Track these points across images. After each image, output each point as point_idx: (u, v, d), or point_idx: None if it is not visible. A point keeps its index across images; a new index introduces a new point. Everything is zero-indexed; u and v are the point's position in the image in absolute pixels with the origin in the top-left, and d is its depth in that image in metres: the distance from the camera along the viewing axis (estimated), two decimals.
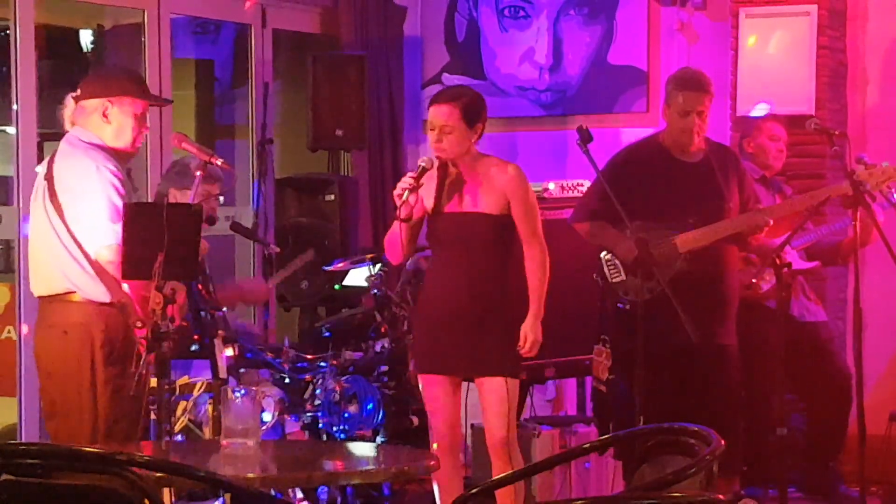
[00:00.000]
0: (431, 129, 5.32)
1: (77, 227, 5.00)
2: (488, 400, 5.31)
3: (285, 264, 6.73)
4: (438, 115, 5.31)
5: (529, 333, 5.28)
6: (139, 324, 4.84)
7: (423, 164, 5.27)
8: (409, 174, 5.26)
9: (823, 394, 6.72)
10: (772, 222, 5.97)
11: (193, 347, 5.64)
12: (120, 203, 4.93)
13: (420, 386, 5.48)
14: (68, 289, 5.03)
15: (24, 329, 6.48)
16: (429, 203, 5.37)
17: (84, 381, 4.97)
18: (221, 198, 6.02)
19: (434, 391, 5.39)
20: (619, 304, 5.87)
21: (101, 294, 4.98)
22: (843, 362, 6.89)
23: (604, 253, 6.02)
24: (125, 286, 4.94)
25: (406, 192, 5.19)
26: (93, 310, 4.98)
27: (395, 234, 5.35)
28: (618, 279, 5.96)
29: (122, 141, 5.14)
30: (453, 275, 5.34)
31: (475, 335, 5.29)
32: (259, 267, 7.82)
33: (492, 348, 5.29)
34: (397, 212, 5.26)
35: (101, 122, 5.13)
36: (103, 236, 4.95)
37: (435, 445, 5.42)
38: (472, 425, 6.13)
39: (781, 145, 6.75)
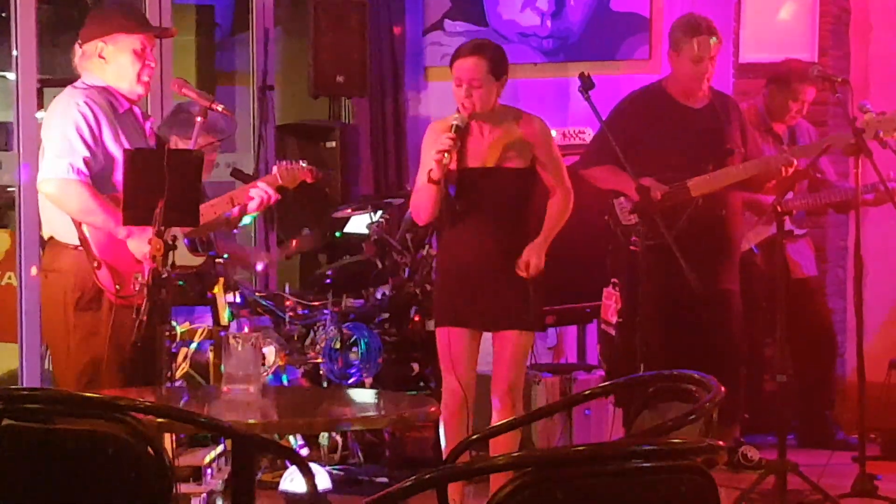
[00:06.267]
0: (458, 85, 5.18)
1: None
2: (502, 350, 5.26)
3: (287, 224, 6.67)
4: (466, 69, 5.17)
5: (533, 258, 5.17)
6: (96, 264, 4.84)
7: (456, 123, 5.13)
8: (446, 135, 5.10)
9: (809, 346, 6.75)
10: (795, 162, 5.93)
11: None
12: (78, 139, 4.85)
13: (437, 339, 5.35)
14: (48, 234, 5.02)
15: (29, 273, 6.48)
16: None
17: (59, 325, 4.94)
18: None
19: (453, 344, 5.26)
20: (631, 248, 5.83)
21: (72, 237, 4.91)
22: (829, 316, 6.92)
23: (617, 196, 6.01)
24: (85, 228, 4.86)
25: (445, 154, 5.06)
26: (67, 253, 4.93)
27: (425, 196, 5.20)
28: (629, 221, 5.94)
29: (126, 80, 5.04)
30: (477, 229, 5.23)
31: (497, 288, 5.20)
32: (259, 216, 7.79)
33: (513, 301, 5.22)
34: (429, 173, 5.09)
35: (101, 64, 5.03)
36: (45, 170, 4.89)
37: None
38: None
39: (804, 108, 6.70)
